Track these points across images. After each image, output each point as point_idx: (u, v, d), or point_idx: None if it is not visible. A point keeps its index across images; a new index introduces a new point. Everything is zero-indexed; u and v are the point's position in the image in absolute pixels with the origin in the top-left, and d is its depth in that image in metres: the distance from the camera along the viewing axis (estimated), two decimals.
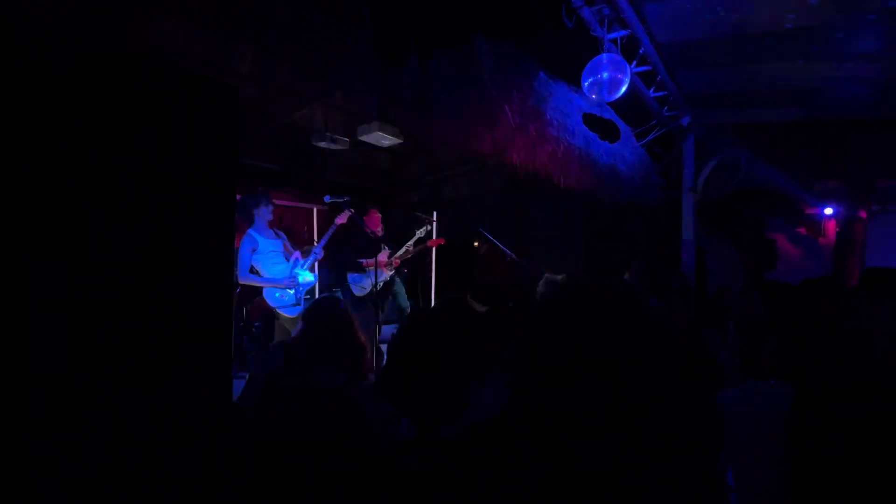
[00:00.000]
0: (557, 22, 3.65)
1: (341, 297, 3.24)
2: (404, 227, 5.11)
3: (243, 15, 1.97)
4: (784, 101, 5.31)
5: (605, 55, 3.89)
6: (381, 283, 4.55)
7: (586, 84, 4.00)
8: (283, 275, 3.44)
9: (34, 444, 1.38)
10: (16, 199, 1.41)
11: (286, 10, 2.09)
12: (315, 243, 4.03)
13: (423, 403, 1.24)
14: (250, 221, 3.38)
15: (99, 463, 1.38)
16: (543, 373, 0.47)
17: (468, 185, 6.59)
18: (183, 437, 0.90)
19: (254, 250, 3.34)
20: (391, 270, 4.70)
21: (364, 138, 4.53)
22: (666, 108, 5.27)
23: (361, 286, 4.40)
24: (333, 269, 4.77)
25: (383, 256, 4.40)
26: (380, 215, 4.49)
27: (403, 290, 4.97)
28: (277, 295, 3.45)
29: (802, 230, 7.40)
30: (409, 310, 4.79)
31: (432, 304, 6.30)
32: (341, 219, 4.31)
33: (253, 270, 3.38)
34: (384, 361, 1.62)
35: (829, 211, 7.03)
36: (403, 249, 4.69)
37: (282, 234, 3.63)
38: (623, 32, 3.96)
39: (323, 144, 4.40)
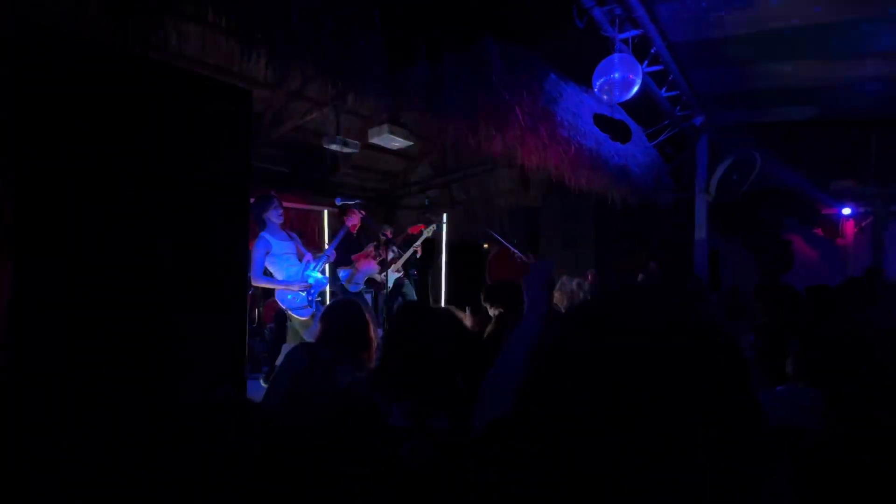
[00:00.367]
0: (568, 22, 3.64)
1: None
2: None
3: (258, 21, 1.99)
4: (799, 100, 5.22)
5: (616, 55, 3.86)
6: (392, 284, 4.57)
7: (597, 84, 3.98)
8: (295, 277, 3.46)
9: (34, 443, 1.40)
10: (20, 199, 1.44)
11: (299, 14, 2.11)
12: (326, 246, 4.04)
13: (415, 393, 1.27)
14: (262, 225, 3.41)
15: (99, 463, 1.40)
16: (560, 377, 0.46)
17: (478, 186, 6.59)
18: (188, 437, 0.90)
19: (267, 252, 3.36)
20: (400, 271, 4.72)
21: (375, 141, 4.55)
22: (678, 107, 5.21)
23: (356, 283, 4.40)
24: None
25: (370, 260, 4.38)
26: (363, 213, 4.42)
27: (413, 291, 4.98)
28: (289, 297, 3.47)
29: (819, 231, 7.27)
30: None
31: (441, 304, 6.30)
32: (352, 220, 4.33)
33: (267, 272, 3.41)
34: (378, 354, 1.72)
35: (846, 211, 6.90)
36: (412, 250, 4.70)
37: (294, 235, 3.65)
38: (635, 32, 3.94)
39: (334, 147, 4.43)
